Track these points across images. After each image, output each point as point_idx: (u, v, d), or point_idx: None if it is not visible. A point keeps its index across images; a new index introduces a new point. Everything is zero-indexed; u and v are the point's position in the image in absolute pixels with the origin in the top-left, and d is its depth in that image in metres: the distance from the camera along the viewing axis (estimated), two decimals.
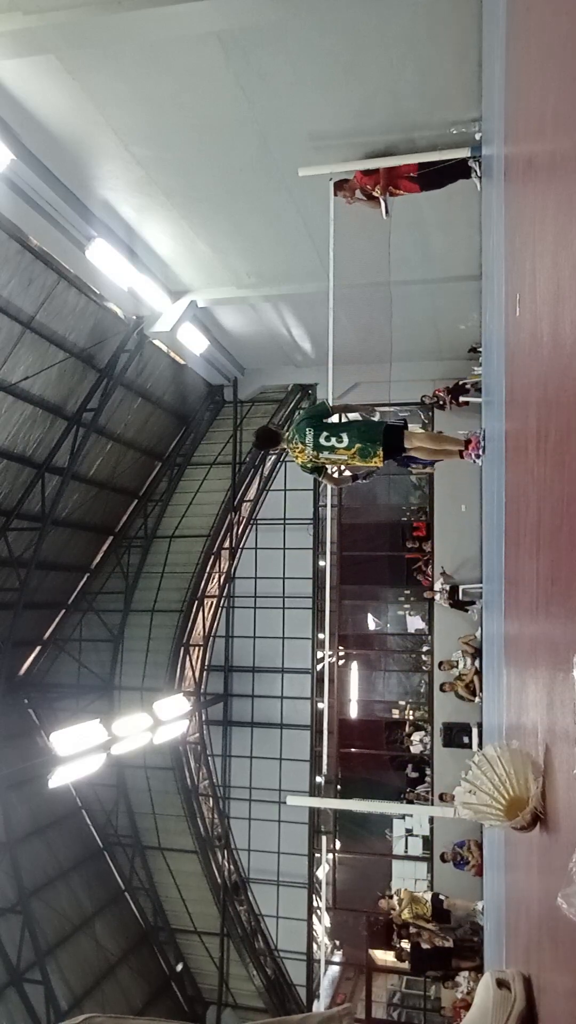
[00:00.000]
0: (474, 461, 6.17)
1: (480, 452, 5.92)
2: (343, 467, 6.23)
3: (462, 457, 6.22)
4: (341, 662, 17.57)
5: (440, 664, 13.81)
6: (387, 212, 8.82)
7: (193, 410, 16.64)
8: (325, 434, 5.82)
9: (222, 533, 16.50)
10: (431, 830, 14.31)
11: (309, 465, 6.00)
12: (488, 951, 7.38)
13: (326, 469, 6.18)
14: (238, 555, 16.62)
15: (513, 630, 2.91)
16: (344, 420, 6.15)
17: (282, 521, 16.25)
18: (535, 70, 1.93)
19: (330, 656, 16.03)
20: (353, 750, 17.41)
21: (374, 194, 8.66)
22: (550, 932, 1.40)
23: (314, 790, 15.11)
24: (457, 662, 13.54)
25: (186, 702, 15.80)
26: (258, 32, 7.04)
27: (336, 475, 6.48)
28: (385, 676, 19.54)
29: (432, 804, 13.43)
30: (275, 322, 13.56)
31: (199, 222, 10.34)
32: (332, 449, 5.79)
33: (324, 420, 5.94)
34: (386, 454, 5.80)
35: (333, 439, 5.82)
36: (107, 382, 13.09)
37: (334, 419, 6.04)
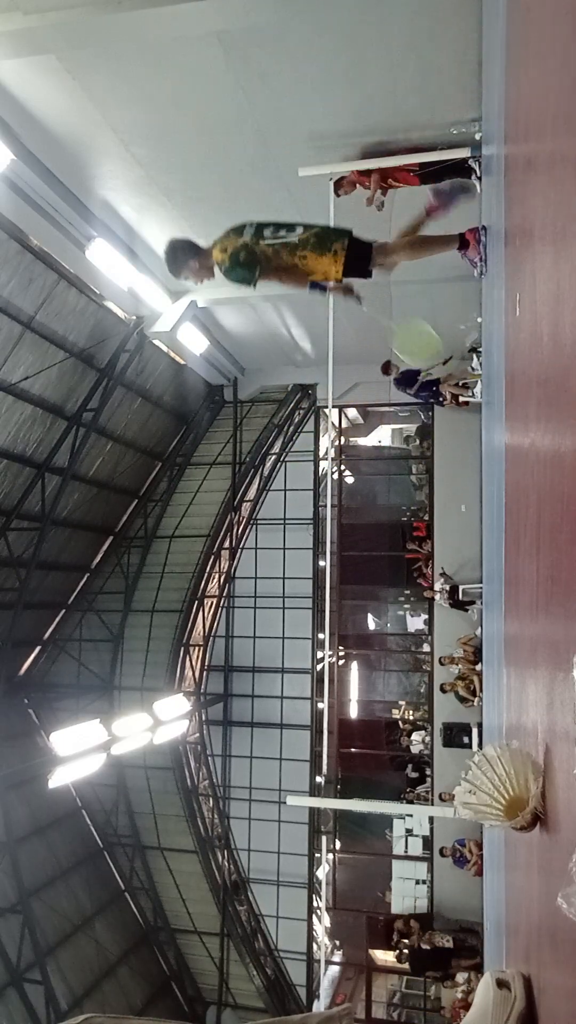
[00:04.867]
0: (475, 269, 4.61)
1: (481, 257, 4.51)
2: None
3: (461, 250, 4.58)
4: (341, 662, 17.58)
5: (440, 660, 13.82)
6: (380, 207, 8.79)
7: (193, 410, 16.64)
8: (273, 227, 4.43)
9: (222, 533, 16.50)
10: (431, 830, 14.31)
11: (242, 255, 4.30)
12: (488, 951, 7.38)
13: (266, 257, 4.37)
14: (238, 555, 16.62)
15: (513, 630, 2.91)
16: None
17: (282, 521, 16.25)
18: (535, 70, 1.93)
19: (330, 656, 16.04)
20: (353, 750, 17.42)
21: (366, 186, 8.64)
22: (550, 932, 1.40)
23: (314, 790, 15.10)
24: (457, 659, 13.54)
25: (186, 702, 15.80)
26: (258, 32, 7.04)
27: (287, 271, 4.46)
28: (385, 676, 19.56)
29: (432, 804, 13.43)
30: (275, 322, 13.57)
31: (199, 222, 10.33)
32: (281, 238, 4.39)
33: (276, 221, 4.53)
34: (350, 257, 4.36)
35: (283, 230, 4.41)
36: (107, 382, 13.09)
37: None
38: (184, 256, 4.56)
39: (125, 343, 12.78)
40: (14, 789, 13.75)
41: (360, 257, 4.35)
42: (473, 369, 11.98)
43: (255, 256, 4.28)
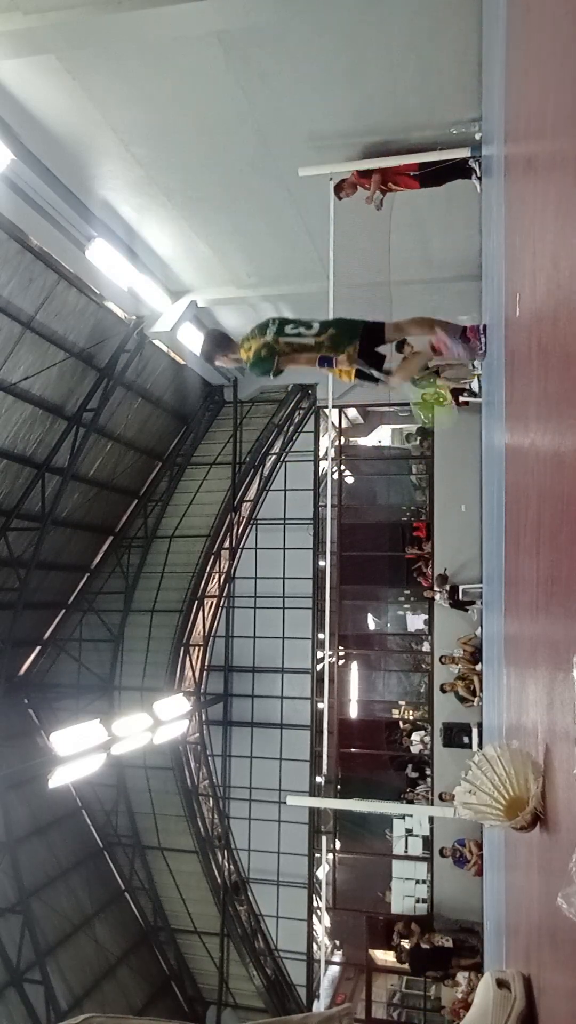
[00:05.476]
0: (474, 360, 5.32)
1: (482, 349, 5.14)
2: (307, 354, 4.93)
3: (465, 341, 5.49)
4: (341, 662, 17.57)
5: (441, 658, 13.83)
6: (379, 206, 8.78)
7: (193, 410, 16.64)
8: (292, 324, 4.87)
9: (222, 533, 16.50)
10: (431, 830, 14.32)
11: (263, 352, 4.81)
12: (488, 951, 7.38)
13: (284, 354, 4.86)
14: (238, 555, 16.62)
15: (513, 630, 2.91)
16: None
17: (282, 521, 16.25)
18: (535, 70, 1.93)
19: (330, 656, 16.03)
20: (353, 750, 17.41)
21: (366, 187, 8.63)
22: (550, 932, 1.40)
23: (314, 790, 15.10)
24: (457, 659, 13.54)
25: (186, 702, 15.80)
26: (258, 32, 7.03)
27: (301, 358, 4.94)
28: (385, 676, 19.55)
29: (432, 804, 13.43)
30: None
31: (199, 222, 10.34)
32: (298, 335, 4.83)
33: (297, 318, 5.04)
34: (363, 350, 4.84)
35: (302, 327, 4.83)
36: (107, 382, 13.09)
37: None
38: (219, 349, 5.24)
39: (125, 343, 12.78)
40: (14, 789, 13.75)
41: (370, 363, 4.86)
42: (473, 368, 11.95)
43: (274, 352, 4.81)
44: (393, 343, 5.23)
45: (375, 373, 5.01)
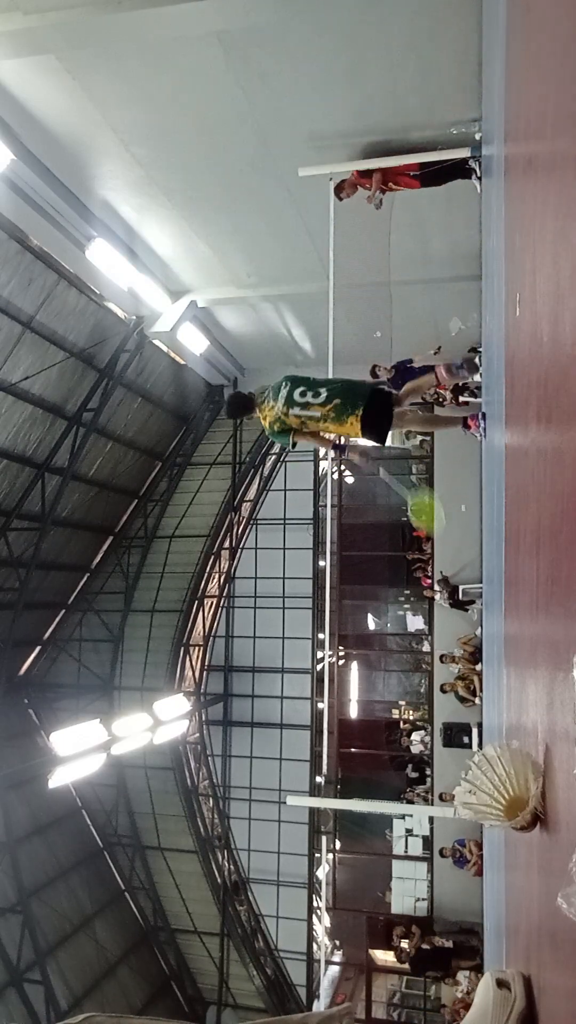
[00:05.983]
0: (478, 436, 5.89)
1: (482, 433, 5.56)
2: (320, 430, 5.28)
3: (466, 428, 5.89)
4: (341, 662, 17.58)
5: (441, 657, 13.82)
6: (379, 205, 8.78)
7: (193, 410, 16.64)
8: (302, 388, 5.13)
9: (222, 533, 16.50)
10: (431, 830, 14.32)
11: (276, 427, 5.17)
12: (488, 951, 7.39)
13: (299, 429, 5.22)
14: (238, 555, 16.62)
15: (513, 630, 2.90)
16: (329, 378, 5.45)
17: (282, 521, 16.25)
18: (535, 70, 1.93)
19: (330, 656, 16.03)
20: (353, 750, 17.41)
21: (367, 187, 8.63)
22: (550, 932, 1.40)
23: (314, 790, 15.11)
24: (457, 659, 13.54)
25: (186, 702, 15.81)
26: (258, 32, 7.04)
27: (315, 434, 5.33)
28: (385, 676, 19.55)
29: (432, 804, 13.43)
30: (275, 322, 13.57)
31: (199, 222, 10.34)
32: (306, 406, 5.07)
33: (308, 377, 5.30)
34: (366, 421, 5.04)
35: (309, 394, 5.10)
36: (107, 382, 13.09)
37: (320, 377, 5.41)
38: (242, 411, 5.76)
39: (125, 343, 12.78)
40: (14, 789, 13.75)
41: (373, 426, 5.14)
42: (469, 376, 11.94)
43: (287, 426, 5.21)
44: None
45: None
